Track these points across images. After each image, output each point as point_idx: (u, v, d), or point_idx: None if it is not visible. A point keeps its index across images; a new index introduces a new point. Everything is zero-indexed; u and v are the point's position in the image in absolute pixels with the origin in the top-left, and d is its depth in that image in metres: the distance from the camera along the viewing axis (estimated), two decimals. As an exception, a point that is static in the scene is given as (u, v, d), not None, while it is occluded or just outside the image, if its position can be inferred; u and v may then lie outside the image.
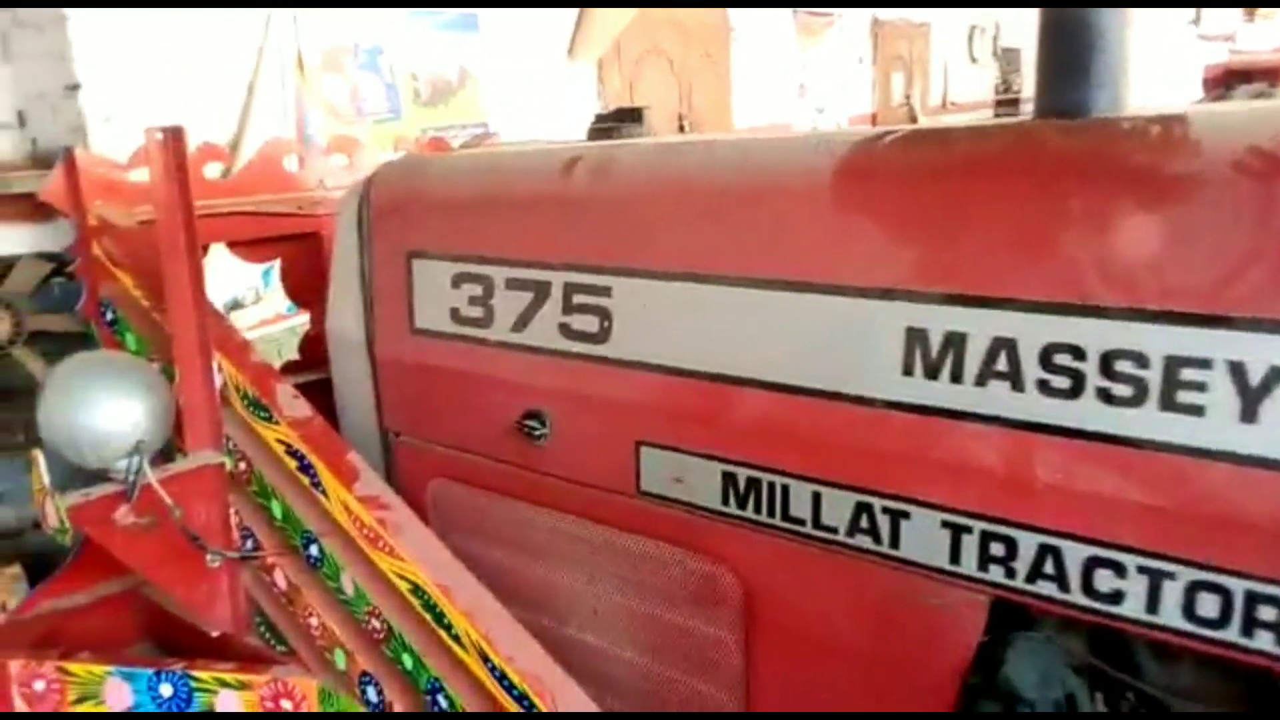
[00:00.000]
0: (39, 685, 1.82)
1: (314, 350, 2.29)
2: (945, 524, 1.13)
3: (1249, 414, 0.94)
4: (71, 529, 1.60)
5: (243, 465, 1.79)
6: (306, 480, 1.68)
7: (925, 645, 1.19)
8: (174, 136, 1.69)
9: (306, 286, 2.42)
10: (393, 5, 4.72)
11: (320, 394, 1.95)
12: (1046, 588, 1.07)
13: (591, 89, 6.03)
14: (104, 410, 1.62)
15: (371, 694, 1.64)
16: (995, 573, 1.10)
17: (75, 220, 2.06)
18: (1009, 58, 11.29)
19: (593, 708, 1.39)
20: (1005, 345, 1.06)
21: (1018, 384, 1.05)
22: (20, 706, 1.84)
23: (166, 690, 1.78)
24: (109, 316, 2.00)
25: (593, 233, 1.42)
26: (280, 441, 1.71)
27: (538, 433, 1.46)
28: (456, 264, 1.53)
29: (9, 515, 3.39)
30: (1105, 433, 1.01)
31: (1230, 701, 1.17)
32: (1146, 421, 0.99)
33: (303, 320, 2.40)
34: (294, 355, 2.38)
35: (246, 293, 3.82)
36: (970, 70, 10.78)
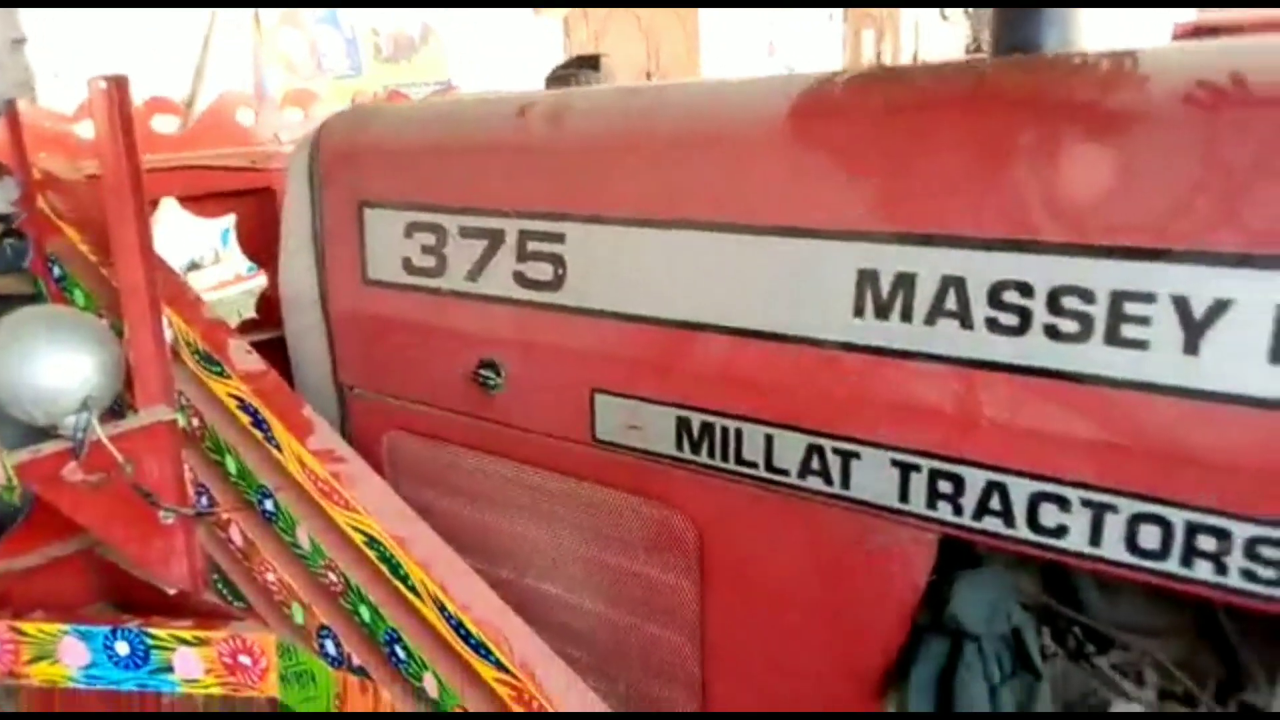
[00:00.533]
0: (-8, 645, 1.81)
1: (271, 309, 2.27)
2: (895, 463, 1.14)
3: (1191, 347, 0.95)
4: (20, 487, 1.58)
5: (195, 421, 1.77)
6: (260, 435, 1.67)
7: (875, 585, 1.21)
8: (118, 86, 1.66)
9: (263, 244, 2.39)
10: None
11: (277, 353, 1.93)
12: (992, 524, 1.09)
13: (558, 45, 5.97)
14: (50, 365, 1.59)
15: (330, 647, 1.65)
16: (943, 510, 1.12)
17: (19, 174, 2.02)
18: (980, 15, 11.28)
19: (550, 656, 1.40)
20: (954, 284, 1.06)
21: (966, 322, 1.06)
22: (-26, 667, 1.83)
23: (123, 648, 1.78)
24: (56, 272, 1.97)
25: (546, 179, 1.40)
26: (233, 396, 1.70)
27: (492, 382, 1.45)
28: (409, 213, 1.51)
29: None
30: (1051, 368, 1.02)
31: (1172, 634, 1.20)
32: (1091, 356, 1.00)
33: (263, 282, 2.37)
34: (252, 315, 2.35)
35: (205, 253, 3.77)
36: (941, 27, 10.76)
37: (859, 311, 1.13)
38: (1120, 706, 1.17)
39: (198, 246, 3.61)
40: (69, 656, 1.78)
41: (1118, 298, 0.98)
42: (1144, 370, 0.97)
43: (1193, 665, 1.19)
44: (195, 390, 1.76)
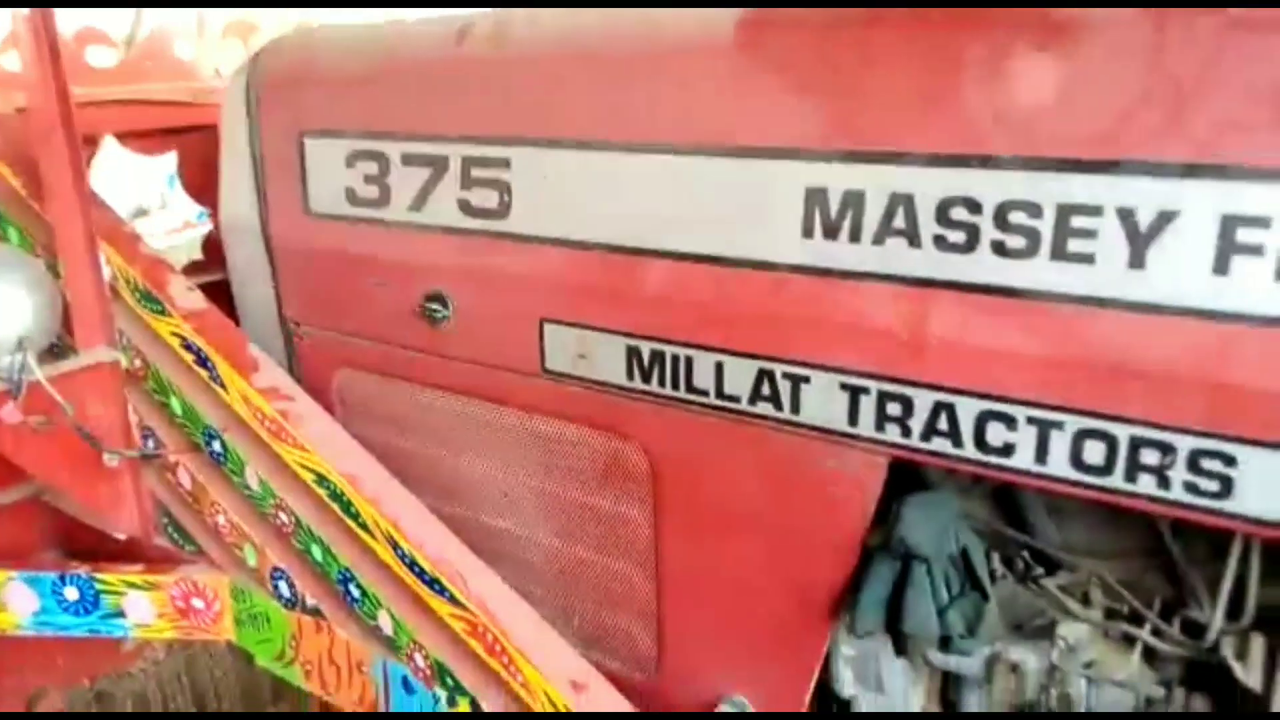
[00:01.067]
0: (-64, 594, 1.78)
1: (216, 251, 2.21)
2: (844, 386, 1.13)
3: (1137, 260, 0.95)
4: (-45, 429, 1.54)
5: (138, 362, 1.74)
6: (205, 374, 1.64)
7: (826, 510, 1.21)
8: (43, 17, 1.59)
9: (207, 183, 2.33)
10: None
11: (224, 294, 1.89)
12: (940, 444, 1.09)
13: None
14: (-18, 303, 1.55)
15: (284, 588, 1.64)
16: (892, 432, 1.12)
17: (-57, 108, 1.94)
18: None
19: (505, 589, 1.40)
20: (902, 201, 1.05)
21: (915, 240, 1.05)
22: (-81, 616, 1.80)
23: (72, 594, 1.76)
24: (-13, 211, 1.91)
25: (489, 102, 1.37)
26: (175, 335, 1.66)
27: (440, 315, 1.43)
28: (350, 141, 1.47)
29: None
30: (999, 285, 1.02)
31: (1118, 556, 1.22)
32: (1038, 272, 0.99)
33: (204, 234, 2.32)
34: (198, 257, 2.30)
35: (151, 199, 3.67)
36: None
37: (808, 232, 1.11)
38: (1066, 626, 1.18)
39: (143, 192, 3.52)
40: (17, 603, 1.76)
41: (1064, 211, 0.97)
42: (1090, 284, 0.97)
43: (1139, 586, 1.21)
44: (136, 330, 1.72)
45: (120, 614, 1.75)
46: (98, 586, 1.74)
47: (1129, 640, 1.19)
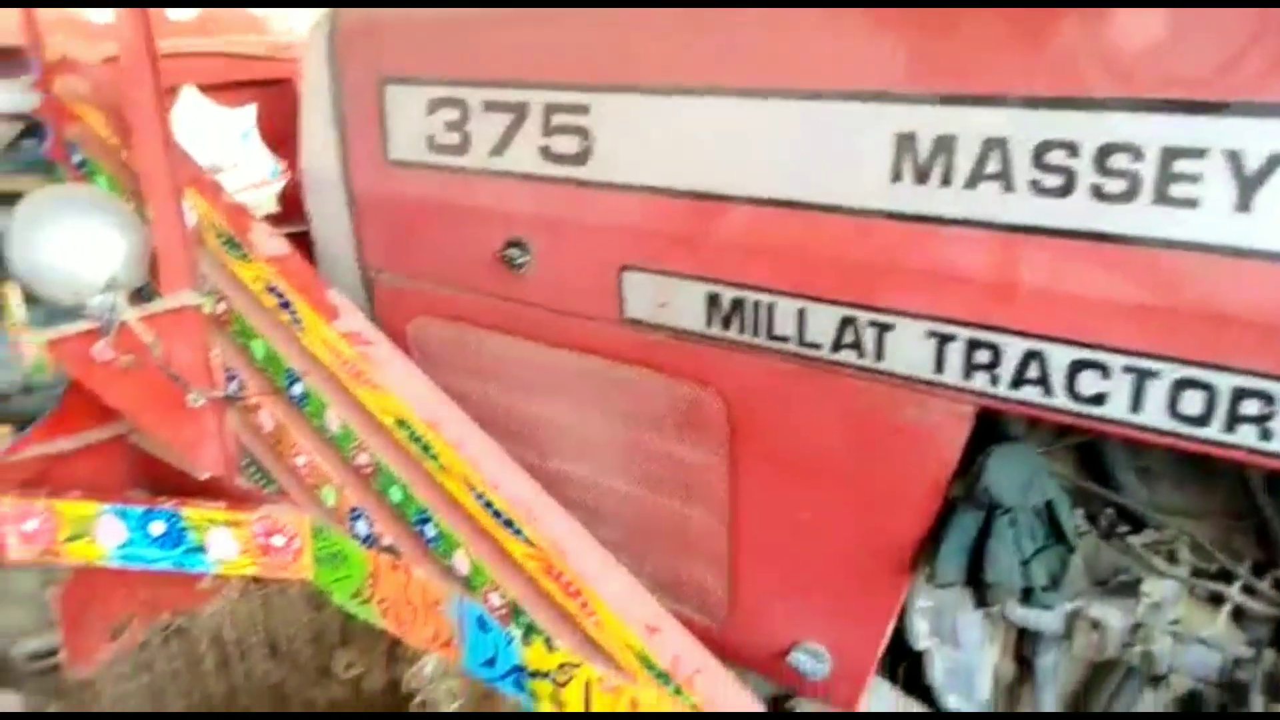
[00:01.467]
0: (30, 524, 1.86)
1: (293, 204, 2.25)
2: (931, 334, 1.12)
3: (1244, 204, 0.92)
4: (49, 367, 1.60)
5: (222, 306, 1.78)
6: (287, 318, 1.67)
7: (908, 459, 1.20)
8: (133, -34, 1.63)
9: (284, 136, 2.37)
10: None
11: (301, 246, 1.92)
12: (1030, 393, 1.08)
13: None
14: (76, 242, 1.59)
15: (362, 527, 1.68)
16: (979, 381, 1.10)
17: (35, 57, 1.99)
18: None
19: (579, 532, 1.42)
20: (997, 145, 1.03)
21: (1009, 185, 1.03)
22: (13, 545, 1.88)
23: (158, 528, 1.82)
24: (76, 158, 1.96)
25: (571, 47, 1.37)
26: (258, 279, 1.70)
27: (519, 261, 1.44)
28: (431, 88, 1.48)
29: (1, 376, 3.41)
30: (1096, 231, 0.99)
31: (1206, 515, 1.19)
32: (1139, 217, 0.97)
33: (280, 188, 2.35)
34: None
35: (226, 156, 3.73)
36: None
37: (896, 177, 1.10)
38: (1152, 583, 1.17)
39: (219, 148, 3.58)
40: (105, 535, 1.83)
41: (1168, 154, 0.95)
42: (1194, 230, 0.95)
43: (1228, 545, 1.19)
44: (220, 275, 1.76)
45: (203, 549, 1.81)
46: (183, 522, 1.80)
47: (1216, 600, 1.17)
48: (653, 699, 1.36)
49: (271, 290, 1.68)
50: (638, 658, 1.36)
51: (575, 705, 1.46)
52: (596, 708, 1.43)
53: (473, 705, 2.79)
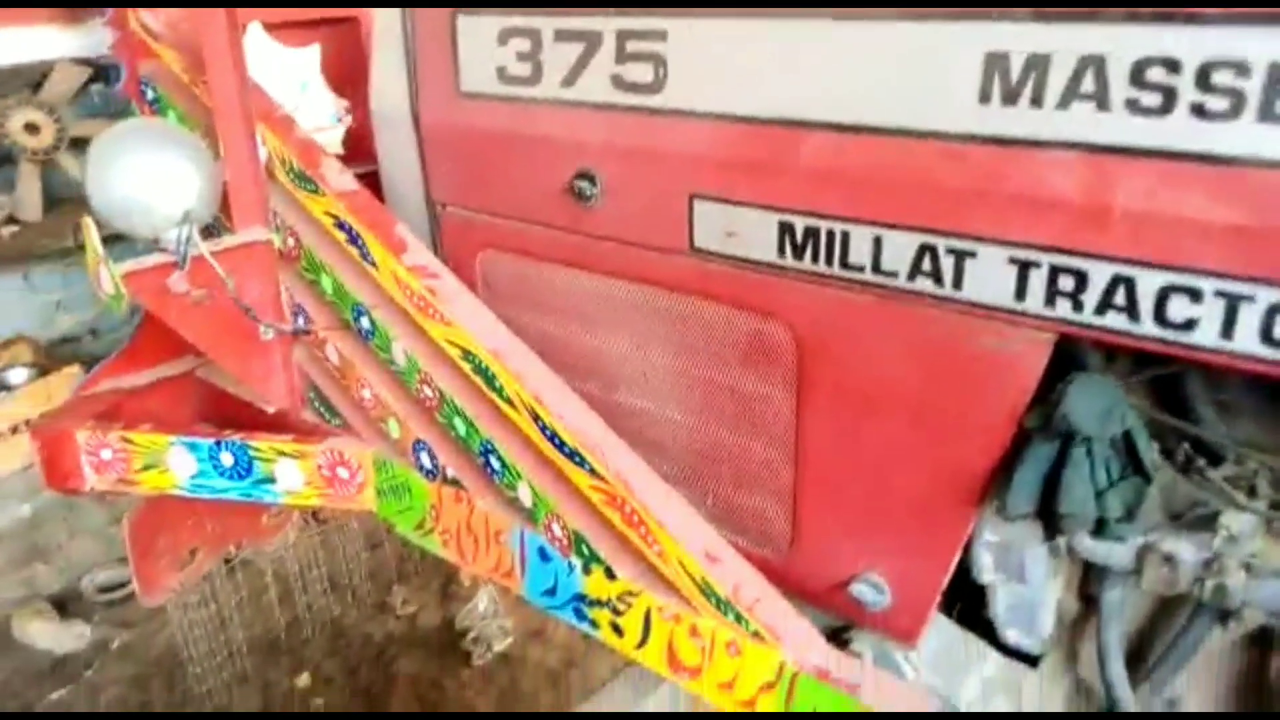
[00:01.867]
0: (105, 454, 1.87)
1: (359, 144, 2.24)
2: (1013, 260, 1.08)
3: (1355, 121, 0.87)
4: (126, 297, 1.60)
5: (291, 242, 1.77)
6: (355, 253, 1.66)
7: (982, 390, 1.17)
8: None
9: (348, 77, 2.35)
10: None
11: (368, 188, 1.91)
12: (1115, 320, 1.03)
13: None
14: (151, 175, 1.59)
15: (425, 460, 1.67)
16: (1062, 308, 1.06)
17: (109, -4, 1.99)
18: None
19: (642, 465, 1.40)
20: (1093, 63, 0.98)
21: (1104, 104, 0.98)
22: (89, 474, 1.90)
23: (227, 459, 1.83)
24: (149, 95, 1.95)
25: (646, -27, 1.32)
26: (328, 214, 1.69)
27: (588, 193, 1.41)
28: (502, 17, 1.45)
29: (67, 321, 3.46)
30: (1195, 151, 0.94)
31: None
32: (1242, 135, 0.92)
33: (344, 131, 2.33)
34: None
35: (285, 102, 3.72)
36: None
37: (984, 98, 1.05)
38: (1230, 516, 1.12)
39: (278, 92, 3.56)
40: (177, 466, 1.84)
41: (1276, 70, 0.89)
42: (1303, 148, 0.89)
43: None
44: (290, 210, 1.75)
45: (271, 480, 1.82)
46: (251, 453, 1.81)
47: (1296, 534, 1.13)
48: (712, 627, 1.34)
49: (340, 225, 1.67)
50: (698, 586, 1.34)
51: (634, 633, 1.45)
52: (656, 635, 1.42)
53: (522, 644, 2.82)
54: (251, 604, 2.75)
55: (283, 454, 1.80)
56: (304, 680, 2.83)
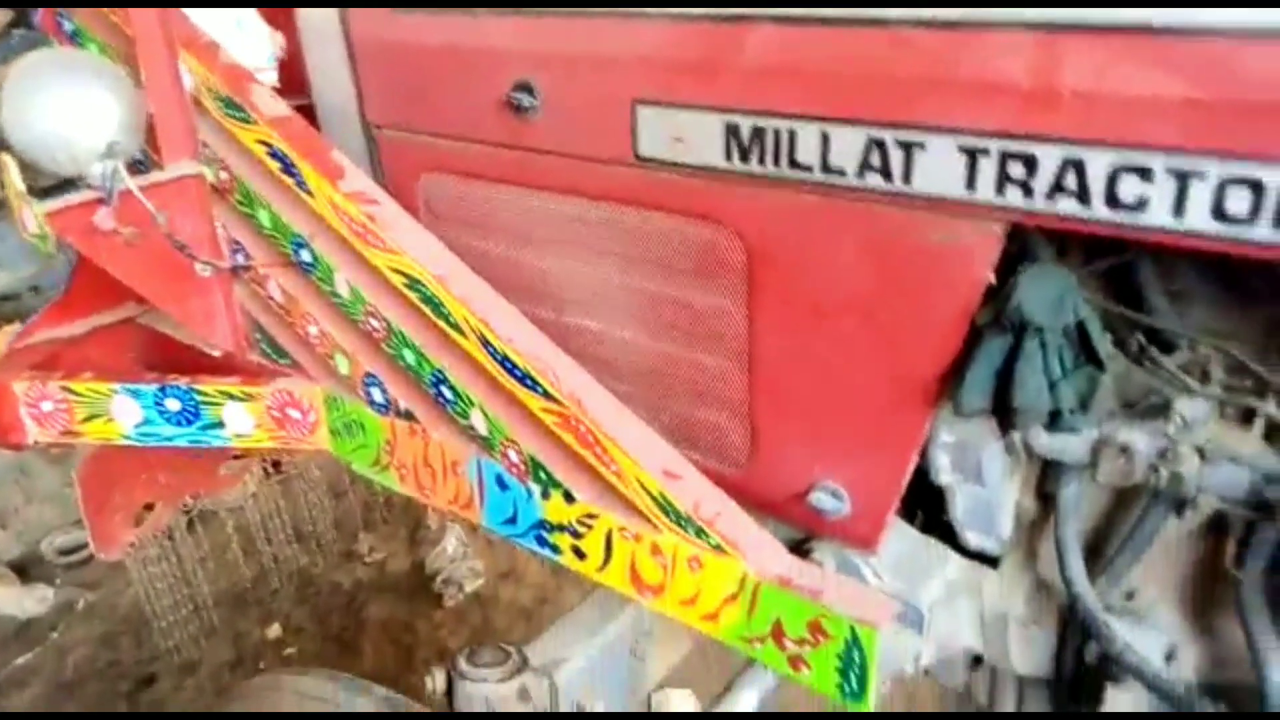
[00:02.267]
0: (46, 405, 1.80)
1: (293, 76, 2.14)
2: (962, 149, 1.04)
3: (1303, -20, 0.83)
4: (51, 237, 1.52)
5: (224, 175, 1.69)
6: (291, 182, 1.59)
7: (935, 286, 1.14)
8: None
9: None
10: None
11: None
12: (1066, 205, 1.00)
13: None
14: (70, 107, 1.50)
15: (376, 394, 1.62)
16: (1013, 195, 1.03)
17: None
18: None
19: (594, 384, 1.37)
20: None
21: None
22: (30, 428, 1.83)
23: (173, 405, 1.77)
24: (67, 27, 1.84)
25: None
26: (260, 143, 1.60)
27: (527, 105, 1.35)
28: (430, -76, 1.37)
29: (3, 278, 3.33)
30: (1144, 24, 0.91)
31: (1239, 338, 1.13)
32: (1189, 6, 0.88)
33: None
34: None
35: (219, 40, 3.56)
36: None
37: None
38: (1183, 402, 1.11)
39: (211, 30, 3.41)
40: (121, 414, 1.78)
41: (1224, -67, 0.86)
42: (1251, 14, 0.86)
43: (1263, 364, 1.13)
44: (221, 141, 1.67)
45: (219, 424, 1.76)
46: (197, 397, 1.75)
47: (1248, 419, 1.12)
48: (674, 543, 1.32)
49: (274, 154, 1.59)
50: (657, 503, 1.31)
51: (596, 555, 1.42)
52: (618, 556, 1.40)
53: (494, 584, 2.80)
54: (215, 558, 2.70)
55: (230, 396, 1.74)
56: (274, 630, 2.80)
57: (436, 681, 1.35)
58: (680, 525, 1.31)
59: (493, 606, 2.63)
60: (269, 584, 2.72)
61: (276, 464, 2.71)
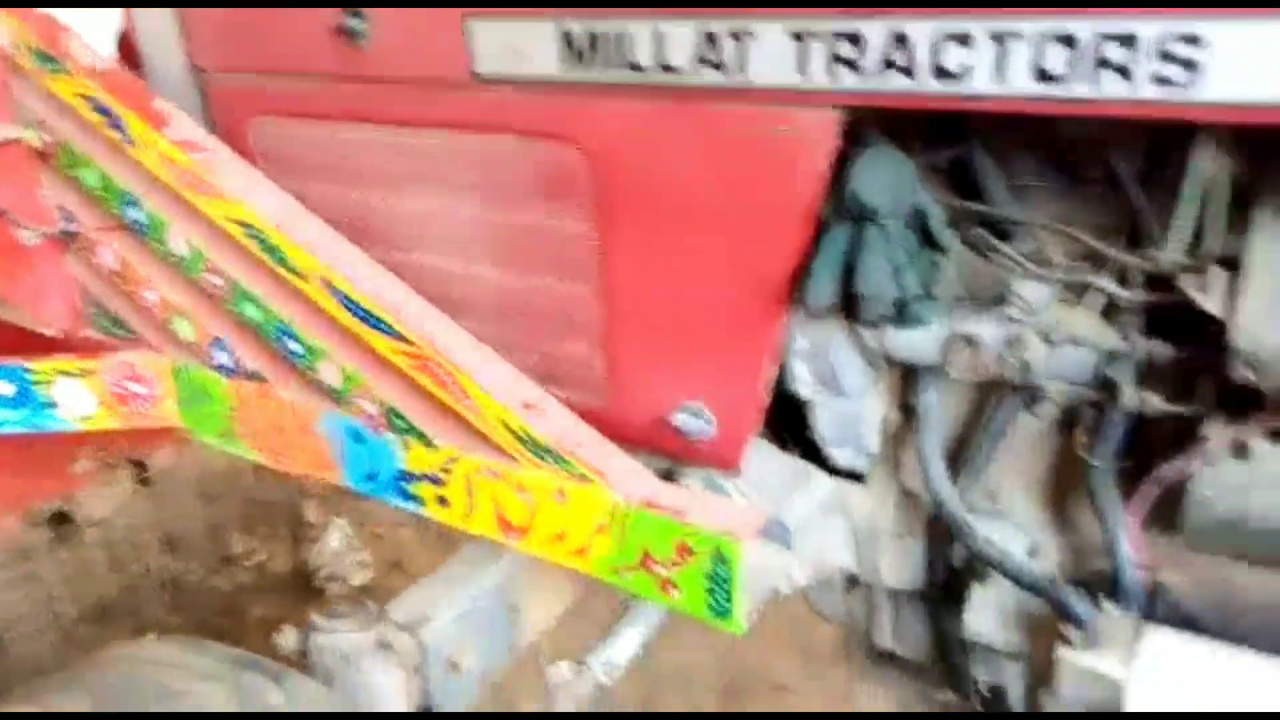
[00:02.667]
0: None
1: (131, 55, 2.01)
2: (793, 35, 1.01)
3: None
4: None
5: (46, 138, 1.57)
6: (117, 136, 1.47)
7: (776, 183, 1.10)
8: None
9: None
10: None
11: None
12: (896, 81, 0.98)
13: None
14: None
15: (222, 357, 1.52)
16: (844, 78, 1.00)
17: None
18: None
19: (445, 321, 1.30)
20: None
21: None
22: None
23: (6, 389, 1.62)
24: None
25: None
26: (80, 96, 1.49)
27: (358, 29, 1.28)
28: None
29: None
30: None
31: (1075, 226, 1.13)
32: None
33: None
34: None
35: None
36: None
37: None
38: (1025, 286, 1.10)
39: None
40: (-54, 403, 1.62)
41: None
42: None
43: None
44: (40, 100, 1.55)
45: (53, 404, 1.62)
46: (30, 377, 1.61)
47: (1090, 302, 1.12)
48: (538, 478, 1.25)
49: (97, 108, 1.48)
50: (519, 439, 1.25)
51: (460, 502, 1.34)
52: (481, 500, 1.32)
53: (382, 573, 2.67)
54: (81, 576, 2.51)
55: (63, 373, 1.61)
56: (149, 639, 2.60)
57: (288, 639, 1.25)
58: (543, 458, 1.24)
59: (384, 598, 2.50)
60: (140, 596, 2.54)
61: (144, 472, 2.55)
